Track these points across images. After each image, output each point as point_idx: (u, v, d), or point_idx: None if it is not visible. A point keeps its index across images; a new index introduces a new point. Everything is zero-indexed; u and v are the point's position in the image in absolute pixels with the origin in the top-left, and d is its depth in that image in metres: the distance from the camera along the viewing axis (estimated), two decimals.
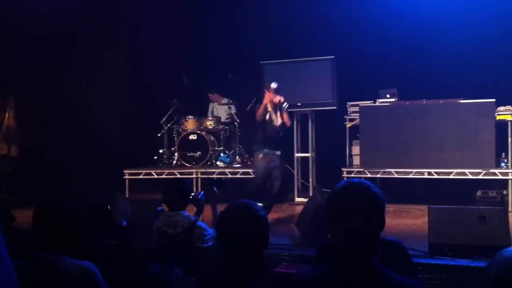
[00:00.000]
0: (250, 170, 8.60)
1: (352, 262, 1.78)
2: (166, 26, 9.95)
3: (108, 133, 9.27)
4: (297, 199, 8.44)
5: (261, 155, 6.86)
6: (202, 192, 4.39)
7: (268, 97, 6.87)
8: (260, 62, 8.90)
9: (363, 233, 1.79)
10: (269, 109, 6.85)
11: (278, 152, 6.94)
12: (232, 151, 9.36)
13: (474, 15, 8.24)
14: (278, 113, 6.87)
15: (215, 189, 4.41)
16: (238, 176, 8.56)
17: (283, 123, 6.91)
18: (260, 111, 6.86)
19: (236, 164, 9.10)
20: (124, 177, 8.74)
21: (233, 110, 9.69)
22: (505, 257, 1.57)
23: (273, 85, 6.92)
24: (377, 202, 1.82)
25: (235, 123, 9.45)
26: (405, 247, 2.62)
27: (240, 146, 9.39)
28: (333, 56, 8.38)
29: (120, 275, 2.19)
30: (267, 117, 6.84)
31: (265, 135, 6.87)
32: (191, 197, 4.21)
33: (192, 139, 9.25)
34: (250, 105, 9.39)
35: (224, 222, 2.19)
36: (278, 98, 6.86)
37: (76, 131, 9.25)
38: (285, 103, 6.89)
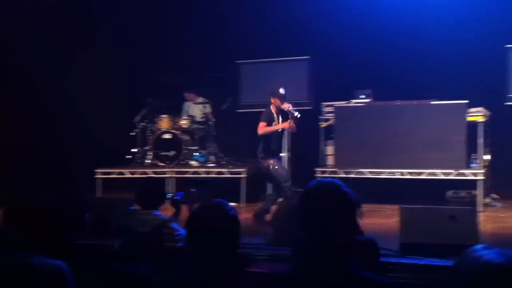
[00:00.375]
0: (224, 170, 8.60)
1: (323, 260, 1.79)
2: (142, 24, 9.86)
3: (80, 131, 9.14)
4: None
5: (271, 161, 6.80)
6: (181, 192, 4.37)
7: (275, 103, 6.82)
8: (236, 61, 8.89)
9: (334, 232, 1.80)
10: (274, 114, 6.81)
11: (279, 157, 7.04)
12: (207, 150, 9.32)
13: (450, 18, 8.35)
14: (281, 118, 6.84)
15: (193, 190, 4.40)
16: (212, 175, 8.55)
17: (284, 130, 6.90)
18: (265, 129, 6.78)
19: (210, 163, 9.08)
20: (96, 176, 8.64)
21: (208, 110, 9.65)
22: (476, 257, 1.59)
23: (282, 90, 6.83)
24: (347, 201, 1.83)
25: (210, 123, 9.42)
26: (378, 245, 2.66)
27: (215, 146, 9.37)
28: (309, 56, 8.42)
29: (87, 275, 2.16)
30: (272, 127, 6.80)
31: (269, 145, 6.84)
32: (169, 197, 4.20)
33: (166, 138, 9.19)
34: (226, 104, 9.38)
35: (195, 221, 2.18)
36: (287, 106, 6.79)
37: (46, 130, 9.10)
38: (297, 113, 6.81)
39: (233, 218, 2.20)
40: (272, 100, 6.85)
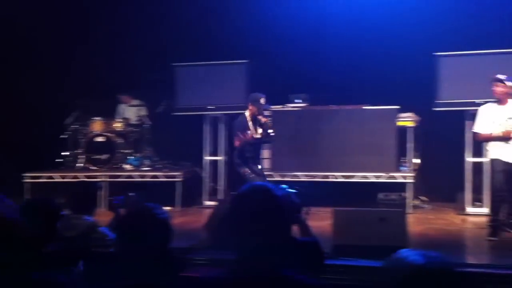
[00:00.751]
0: (159, 174, 8.48)
1: (255, 264, 1.78)
2: (76, 24, 9.55)
3: (8, 133, 8.76)
4: (206, 203, 8.38)
5: (246, 169, 6.73)
6: (120, 196, 4.28)
7: (252, 111, 6.73)
8: (172, 64, 8.78)
9: (266, 235, 1.80)
10: (249, 122, 6.72)
11: (259, 166, 6.95)
12: (142, 154, 9.15)
13: (382, 26, 8.56)
14: (258, 128, 6.77)
15: (132, 194, 4.33)
16: (147, 179, 8.41)
17: (260, 137, 6.81)
18: (238, 140, 6.68)
19: (145, 167, 8.91)
20: (25, 180, 8.29)
21: (143, 112, 9.47)
22: (400, 258, 1.64)
23: (263, 100, 6.75)
24: (278, 204, 1.84)
25: (145, 125, 9.25)
26: (320, 246, 2.69)
27: (150, 149, 9.21)
28: (247, 60, 8.43)
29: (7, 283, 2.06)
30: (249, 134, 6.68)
31: (242, 152, 6.75)
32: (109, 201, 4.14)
33: (99, 141, 8.94)
34: (161, 107, 9.23)
35: (124, 225, 2.13)
36: (264, 120, 6.76)
37: None
38: (272, 130, 6.78)
39: (163, 221, 2.16)
40: (250, 107, 6.79)
